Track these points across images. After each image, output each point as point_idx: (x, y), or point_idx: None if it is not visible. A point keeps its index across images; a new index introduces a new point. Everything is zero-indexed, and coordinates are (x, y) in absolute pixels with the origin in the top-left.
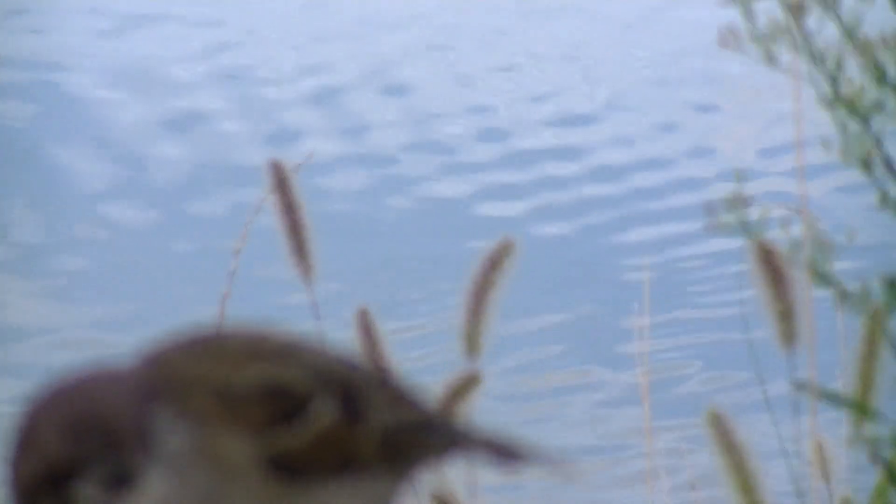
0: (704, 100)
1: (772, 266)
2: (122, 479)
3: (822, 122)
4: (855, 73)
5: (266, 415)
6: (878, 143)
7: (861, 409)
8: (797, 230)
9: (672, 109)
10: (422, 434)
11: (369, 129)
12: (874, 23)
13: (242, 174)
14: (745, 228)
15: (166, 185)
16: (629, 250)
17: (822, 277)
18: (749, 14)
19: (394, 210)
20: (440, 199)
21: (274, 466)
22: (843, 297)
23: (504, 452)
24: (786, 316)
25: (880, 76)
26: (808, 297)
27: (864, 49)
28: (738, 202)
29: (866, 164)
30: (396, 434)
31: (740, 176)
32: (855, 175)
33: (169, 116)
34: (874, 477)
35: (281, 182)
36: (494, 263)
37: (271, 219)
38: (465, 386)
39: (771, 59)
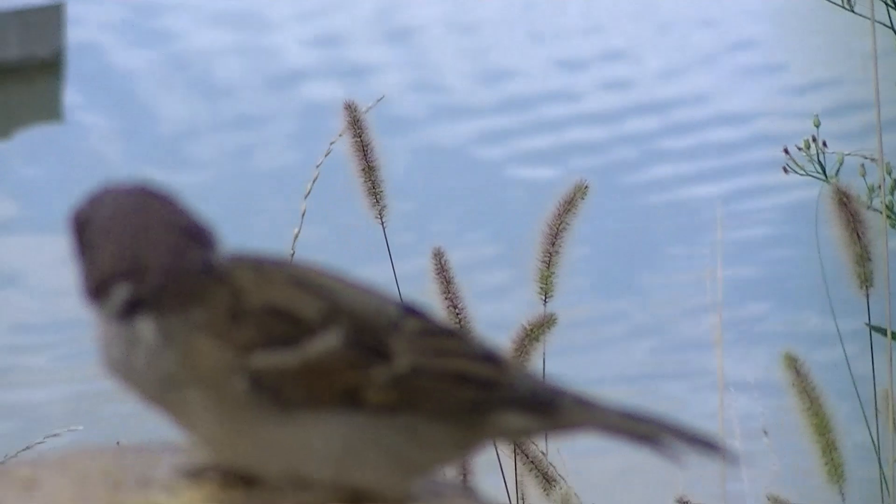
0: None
1: (848, 210)
2: (136, 304)
3: None
4: None
5: (264, 334)
6: None
7: None
8: (874, 176)
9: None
10: (481, 391)
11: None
12: None
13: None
14: (823, 173)
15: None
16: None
17: None
18: None
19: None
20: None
21: (261, 385)
22: None
23: (628, 433)
24: (861, 259)
25: None
26: (885, 241)
27: None
28: (816, 147)
29: None
30: (427, 382)
31: (817, 121)
32: None
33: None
34: None
35: (354, 122)
36: (568, 205)
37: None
38: (540, 328)
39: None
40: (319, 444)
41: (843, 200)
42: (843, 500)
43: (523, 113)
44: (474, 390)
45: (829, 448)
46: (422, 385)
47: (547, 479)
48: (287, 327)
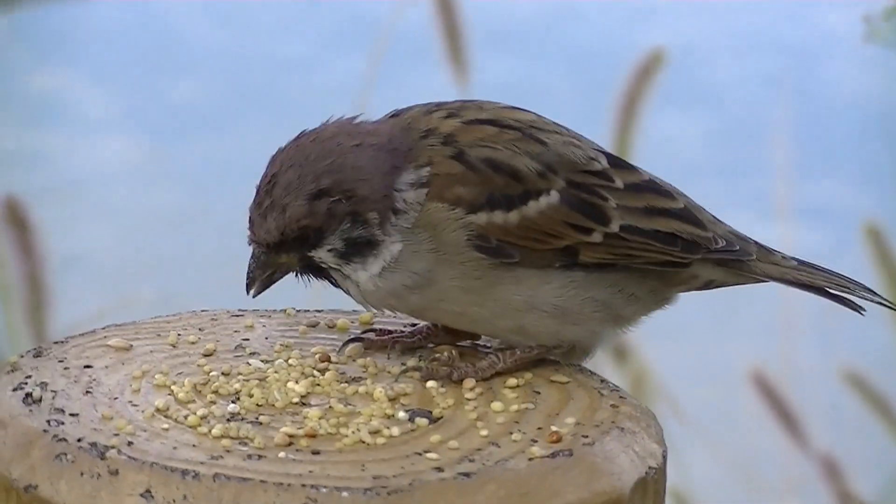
0: None
1: None
2: (359, 243)
3: None
4: None
5: (487, 192)
6: None
7: None
8: None
9: None
10: (685, 249)
11: None
12: None
13: None
14: None
15: None
16: None
17: None
18: None
19: None
20: None
21: (484, 242)
22: None
23: (803, 283)
24: None
25: None
26: None
27: None
28: None
29: None
30: (637, 241)
31: None
32: None
33: None
34: None
35: None
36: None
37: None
38: None
39: None
40: (542, 298)
41: None
42: None
43: None
44: (679, 248)
45: None
46: (632, 244)
47: (620, 353)
48: (508, 181)
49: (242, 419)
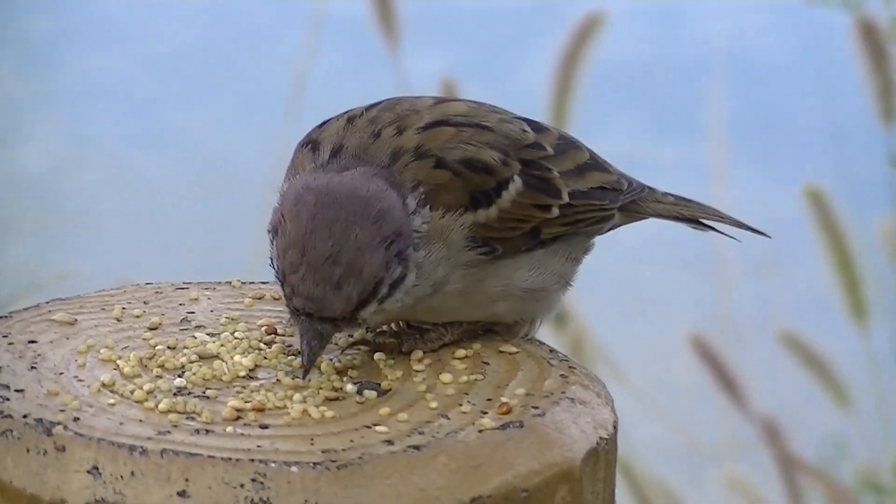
0: None
1: (873, 42)
2: (396, 283)
3: None
4: None
5: (469, 193)
6: None
7: None
8: None
9: None
10: (614, 197)
11: None
12: None
13: None
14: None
15: None
16: None
17: None
18: None
19: None
20: None
21: (474, 242)
22: None
23: (680, 216)
24: (885, 92)
25: None
26: None
27: None
28: None
29: None
30: (581, 204)
31: None
32: None
33: None
34: None
35: None
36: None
37: None
38: None
39: None
40: (516, 284)
41: (868, 33)
42: None
43: None
44: (608, 201)
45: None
46: (580, 208)
47: (558, 319)
48: (483, 177)
49: (189, 393)
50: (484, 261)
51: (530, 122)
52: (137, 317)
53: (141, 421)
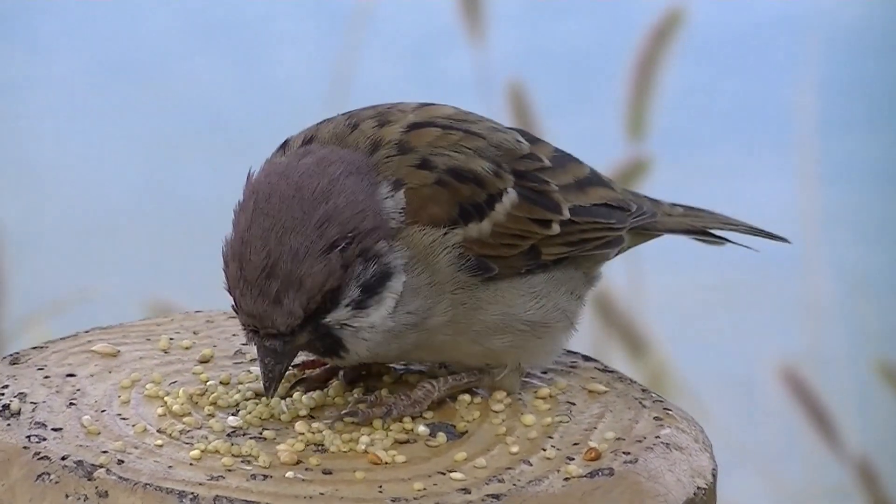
0: None
1: None
2: (373, 283)
3: None
4: None
5: (457, 205)
6: None
7: None
8: None
9: None
10: (621, 217)
11: None
12: None
13: None
14: None
15: None
16: None
17: None
18: None
19: None
20: None
21: (465, 261)
22: None
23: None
24: None
25: None
26: None
27: None
28: None
29: None
30: (584, 222)
31: None
32: None
33: None
34: None
35: None
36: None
37: None
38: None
39: None
40: (516, 314)
41: None
42: None
43: None
44: (615, 220)
45: None
46: (583, 226)
47: (636, 348)
48: (473, 189)
49: (244, 434)
50: (477, 284)
51: (524, 133)
52: (187, 348)
53: (191, 465)
